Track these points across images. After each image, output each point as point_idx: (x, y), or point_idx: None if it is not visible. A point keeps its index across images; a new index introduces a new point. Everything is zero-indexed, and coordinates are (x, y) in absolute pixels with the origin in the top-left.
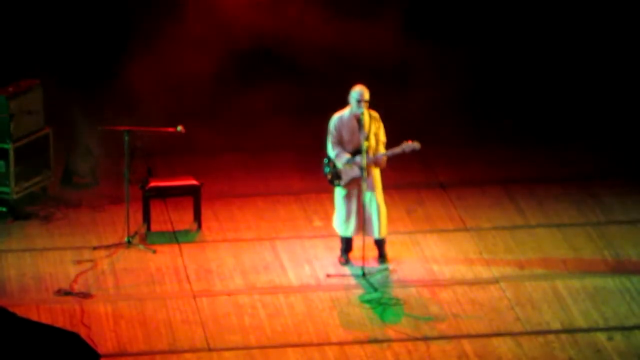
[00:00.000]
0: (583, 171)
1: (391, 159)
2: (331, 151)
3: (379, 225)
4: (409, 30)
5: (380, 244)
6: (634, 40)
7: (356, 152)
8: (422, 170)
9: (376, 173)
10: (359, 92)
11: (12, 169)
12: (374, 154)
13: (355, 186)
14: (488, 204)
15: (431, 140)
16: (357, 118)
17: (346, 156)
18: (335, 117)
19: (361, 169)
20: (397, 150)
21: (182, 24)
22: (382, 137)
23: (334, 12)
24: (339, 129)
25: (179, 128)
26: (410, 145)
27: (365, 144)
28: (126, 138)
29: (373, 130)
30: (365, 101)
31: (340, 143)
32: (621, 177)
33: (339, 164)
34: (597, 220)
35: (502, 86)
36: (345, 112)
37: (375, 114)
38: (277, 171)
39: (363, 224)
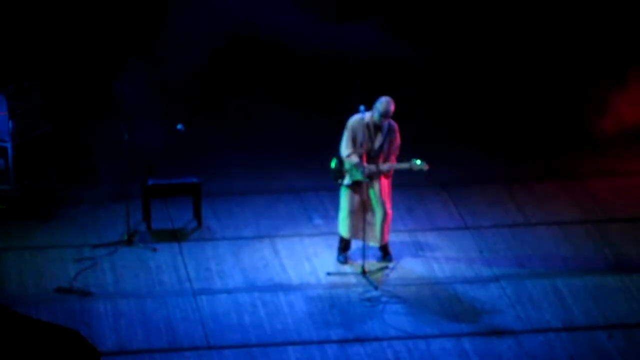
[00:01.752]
0: (583, 169)
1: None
2: (344, 149)
3: (379, 234)
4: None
5: (381, 248)
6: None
7: (365, 157)
8: None
9: (384, 181)
10: (386, 106)
11: (12, 167)
12: (383, 163)
13: (360, 190)
14: (488, 202)
15: (431, 139)
16: (375, 125)
17: (356, 159)
18: (354, 119)
19: (368, 175)
20: (404, 165)
21: (180, 21)
22: (395, 149)
23: (330, 9)
24: (355, 130)
25: (179, 126)
26: (418, 164)
27: (376, 151)
28: (126, 136)
29: (388, 141)
30: (389, 116)
31: (354, 144)
32: (621, 175)
33: (348, 164)
34: (598, 218)
35: (497, 84)
36: (365, 116)
37: (394, 124)
38: (277, 169)
39: (364, 229)
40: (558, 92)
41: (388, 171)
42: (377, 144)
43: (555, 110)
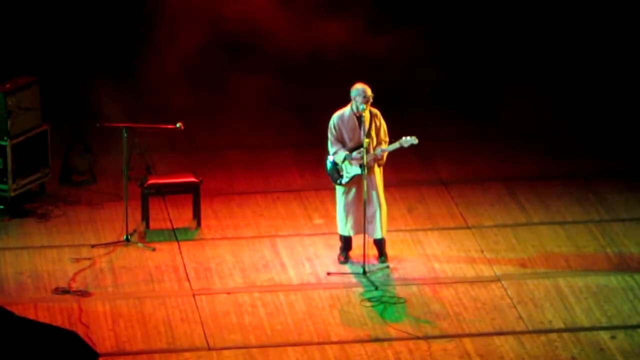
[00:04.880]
0: (585, 168)
1: (392, 156)
2: (331, 148)
3: (380, 225)
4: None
5: (380, 243)
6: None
7: (357, 149)
8: (423, 167)
9: (378, 171)
10: (361, 90)
11: (9, 166)
12: (373, 151)
13: (356, 184)
14: (490, 201)
15: (432, 137)
16: (357, 116)
17: (344, 153)
18: (336, 116)
19: (361, 166)
20: (395, 145)
21: (176, 20)
22: (383, 135)
23: (320, 8)
24: (339, 127)
25: (178, 125)
26: (408, 140)
27: (365, 141)
28: (125, 135)
29: (374, 127)
30: (368, 99)
31: (341, 141)
32: (623, 174)
33: (338, 161)
34: (600, 217)
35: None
36: (345, 110)
37: (376, 111)
38: (277, 168)
39: (364, 223)
40: (558, 90)
41: (380, 155)
42: (364, 133)
43: (555, 108)
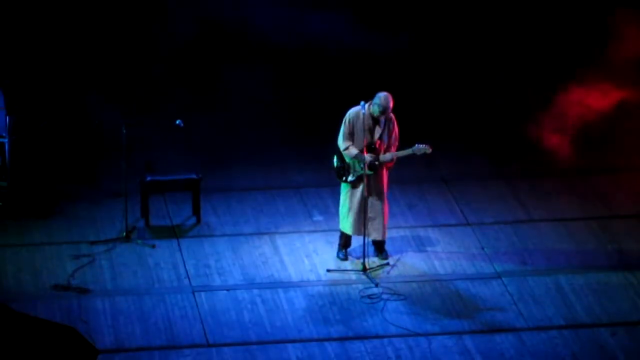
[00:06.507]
0: (585, 165)
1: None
2: (341, 143)
3: (381, 227)
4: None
5: (379, 243)
6: None
7: (366, 149)
8: (423, 164)
9: (383, 174)
10: (384, 103)
11: (9, 163)
12: (384, 154)
13: (361, 184)
14: (490, 198)
15: (432, 135)
16: (373, 117)
17: (355, 151)
18: (353, 111)
19: (370, 166)
20: (407, 151)
21: (172, 18)
22: (394, 140)
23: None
24: (353, 123)
25: (178, 122)
26: (421, 147)
27: (376, 143)
28: (124, 132)
29: (387, 131)
30: (384, 112)
31: (351, 137)
32: (623, 171)
33: (347, 157)
34: (601, 214)
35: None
36: (364, 108)
37: (391, 115)
38: (277, 165)
39: (365, 223)
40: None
41: (391, 161)
42: (376, 135)
43: (557, 106)
